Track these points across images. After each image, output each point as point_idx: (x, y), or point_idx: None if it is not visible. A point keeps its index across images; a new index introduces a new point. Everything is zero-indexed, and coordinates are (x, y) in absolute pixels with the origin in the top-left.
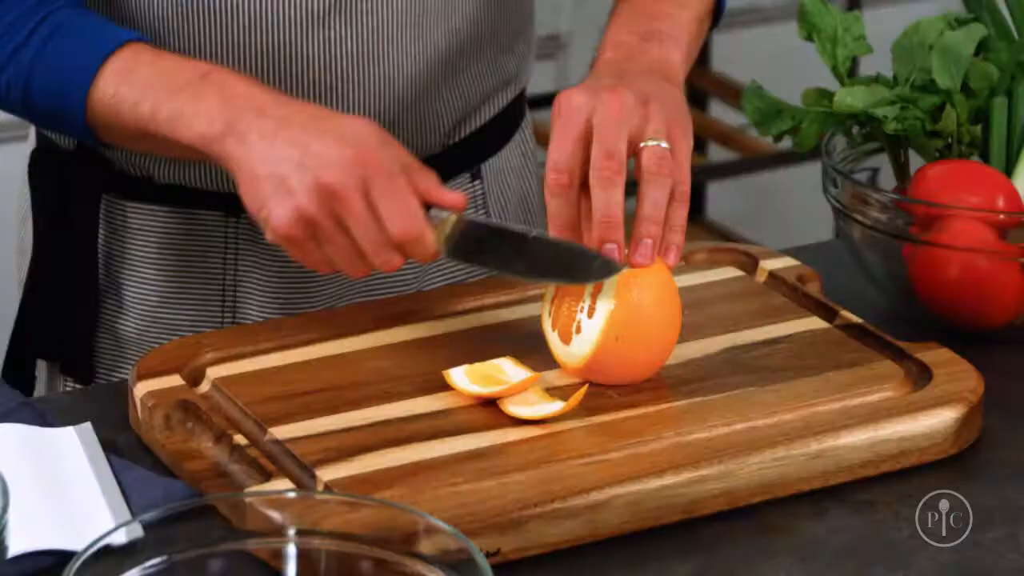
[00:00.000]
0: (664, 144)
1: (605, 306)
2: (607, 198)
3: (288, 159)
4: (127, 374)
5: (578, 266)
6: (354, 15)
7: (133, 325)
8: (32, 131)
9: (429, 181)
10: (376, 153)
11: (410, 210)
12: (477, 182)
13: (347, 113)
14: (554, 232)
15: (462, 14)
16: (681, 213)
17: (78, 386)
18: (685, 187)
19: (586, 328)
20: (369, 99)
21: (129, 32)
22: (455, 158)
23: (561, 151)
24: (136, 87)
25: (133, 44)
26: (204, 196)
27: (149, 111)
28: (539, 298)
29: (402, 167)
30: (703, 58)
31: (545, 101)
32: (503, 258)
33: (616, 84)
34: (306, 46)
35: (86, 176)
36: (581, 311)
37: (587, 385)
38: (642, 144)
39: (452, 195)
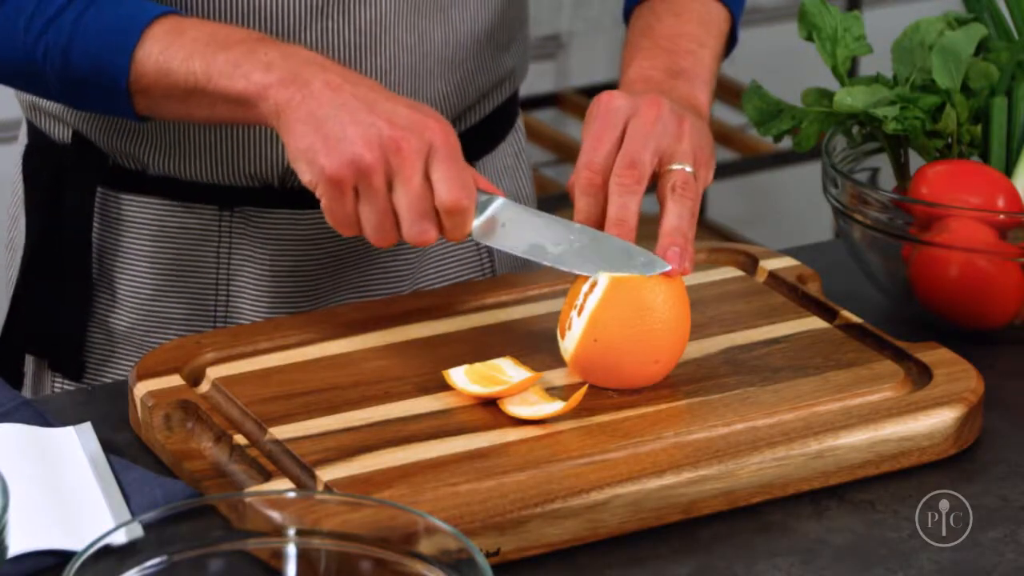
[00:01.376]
0: (689, 168)
1: (589, 306)
2: (623, 204)
3: (355, 110)
4: (117, 370)
5: (619, 259)
6: (351, 8)
7: (126, 319)
8: (23, 130)
9: (474, 169)
10: (443, 123)
11: (465, 181)
12: None
13: None
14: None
15: (459, 9)
16: (693, 230)
17: (67, 383)
18: (697, 210)
19: (575, 326)
20: None
21: (166, 7)
22: None
23: (597, 151)
24: (186, 45)
25: (176, 14)
26: (198, 189)
27: (202, 66)
28: (539, 298)
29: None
30: None
31: (544, 101)
32: (540, 245)
33: (656, 95)
34: (303, 38)
35: (81, 168)
36: (575, 308)
37: (587, 385)
38: (669, 167)
39: (496, 187)
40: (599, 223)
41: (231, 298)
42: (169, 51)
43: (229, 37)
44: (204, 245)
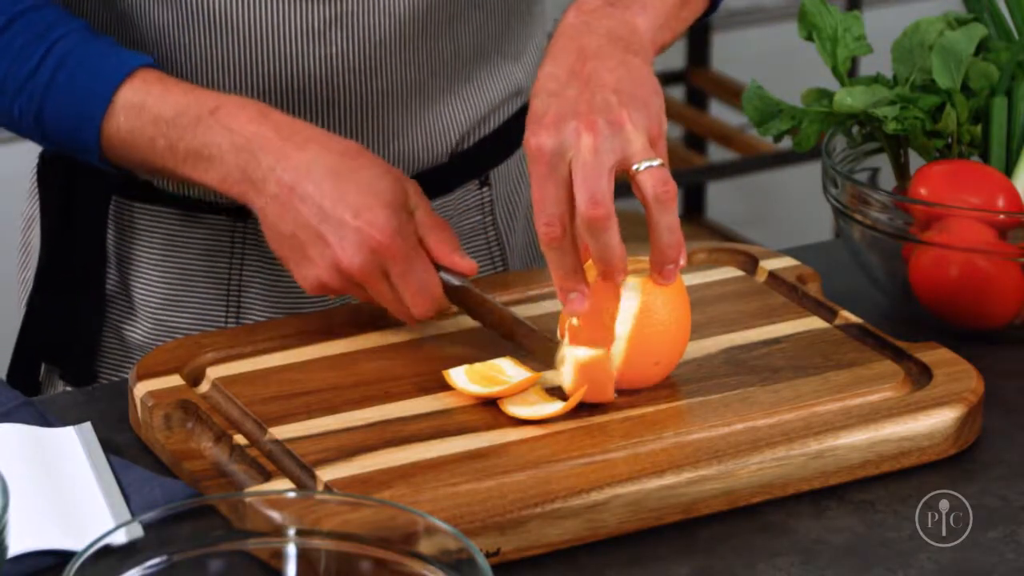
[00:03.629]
0: (656, 162)
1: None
2: (603, 243)
3: (306, 225)
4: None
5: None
6: (354, 29)
7: (139, 328)
8: None
9: (443, 242)
10: (391, 236)
11: (428, 290)
12: (485, 189)
13: (350, 138)
14: (558, 281)
15: (466, 25)
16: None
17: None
18: (672, 187)
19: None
20: (371, 112)
21: (136, 57)
22: (463, 166)
23: (546, 201)
24: (148, 125)
25: (141, 72)
26: (209, 203)
27: (165, 148)
28: (539, 298)
29: (420, 229)
30: (703, 58)
31: None
32: (503, 330)
33: (579, 105)
34: (306, 60)
35: (94, 177)
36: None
37: (586, 386)
38: (635, 168)
39: (464, 261)
40: (576, 268)
41: (242, 308)
42: (135, 129)
43: (188, 113)
44: (216, 255)
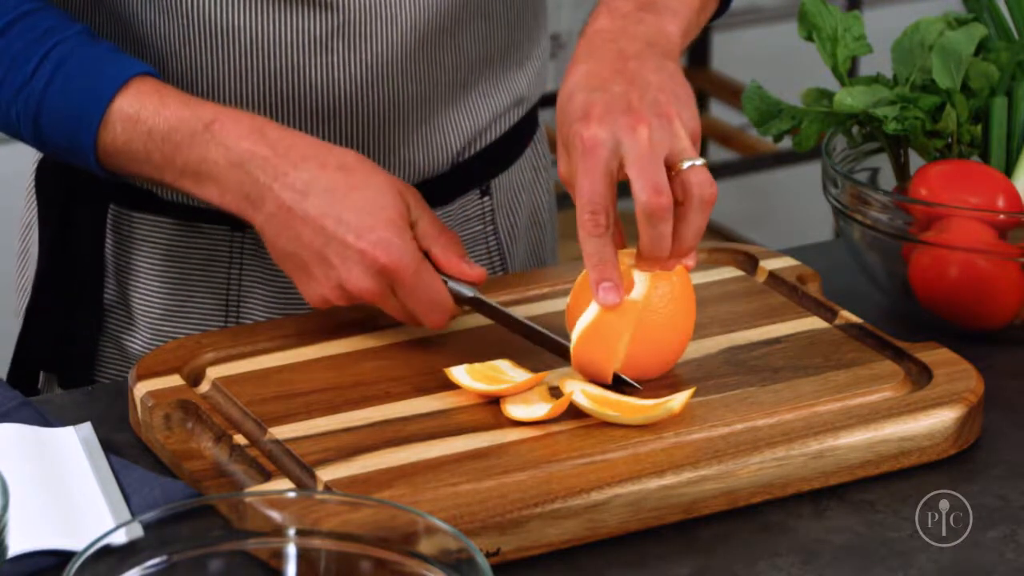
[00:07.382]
0: (699, 162)
1: (593, 308)
2: (660, 232)
3: (308, 246)
4: None
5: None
6: (356, 39)
7: (138, 338)
8: None
9: (449, 252)
10: (396, 257)
11: (437, 304)
12: (486, 198)
13: (350, 148)
14: (592, 269)
15: (470, 36)
16: None
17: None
18: (716, 190)
19: (577, 325)
20: (372, 123)
21: (134, 64)
22: (464, 175)
23: (596, 193)
24: (143, 138)
25: (137, 82)
26: (209, 212)
27: (162, 161)
28: (539, 298)
29: (424, 240)
30: (703, 58)
31: (545, 102)
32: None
33: (629, 100)
34: (308, 70)
35: (92, 185)
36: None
37: (572, 392)
38: (682, 166)
39: (472, 269)
40: (611, 260)
41: (241, 318)
42: (131, 141)
43: (181, 130)
44: (215, 265)
